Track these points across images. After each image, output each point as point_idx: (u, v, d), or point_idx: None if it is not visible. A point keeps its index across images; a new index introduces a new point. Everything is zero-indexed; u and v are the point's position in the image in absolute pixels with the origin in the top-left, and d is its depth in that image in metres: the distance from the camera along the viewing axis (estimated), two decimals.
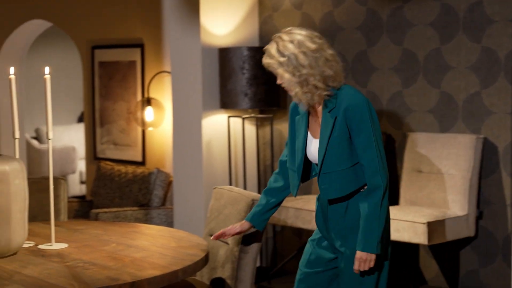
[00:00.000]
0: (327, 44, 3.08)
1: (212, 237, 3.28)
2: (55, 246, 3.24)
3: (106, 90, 7.25)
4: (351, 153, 3.02)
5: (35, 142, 10.12)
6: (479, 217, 4.84)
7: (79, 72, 10.76)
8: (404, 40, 5.15)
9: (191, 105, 5.64)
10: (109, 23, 7.19)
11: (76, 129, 11.01)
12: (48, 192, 3.93)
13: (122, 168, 6.67)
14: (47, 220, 4.01)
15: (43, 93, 10.95)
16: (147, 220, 6.14)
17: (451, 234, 4.62)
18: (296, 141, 3.17)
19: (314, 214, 4.97)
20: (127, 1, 7.00)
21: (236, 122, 5.72)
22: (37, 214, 4.12)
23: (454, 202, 4.75)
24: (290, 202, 5.11)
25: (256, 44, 5.81)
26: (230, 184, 5.63)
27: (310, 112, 3.14)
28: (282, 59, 3.01)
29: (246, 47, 5.41)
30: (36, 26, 8.14)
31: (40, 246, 3.25)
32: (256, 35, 5.84)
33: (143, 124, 6.66)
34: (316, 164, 3.14)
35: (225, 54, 5.46)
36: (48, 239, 3.35)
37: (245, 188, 5.66)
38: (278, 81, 3.08)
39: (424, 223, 4.46)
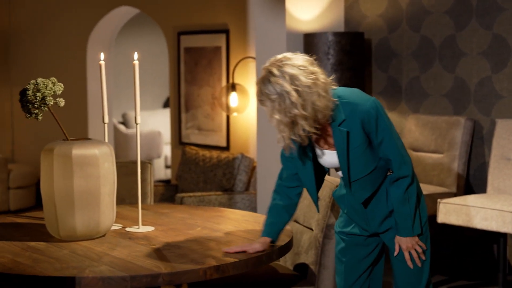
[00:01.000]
0: (321, 70, 2.84)
1: (226, 250, 2.93)
2: (142, 229, 3.29)
3: (192, 75, 7.32)
4: (374, 154, 2.95)
5: (122, 127, 10.31)
6: None
7: (164, 58, 10.90)
8: (494, 25, 5.02)
9: None
10: (195, 9, 7.25)
11: (161, 114, 11.17)
12: (135, 176, 4.01)
13: (206, 153, 6.74)
14: (134, 203, 4.08)
15: (129, 78, 11.16)
16: (231, 204, 6.19)
17: None
18: (300, 162, 3.01)
19: None
20: None
21: None
22: (125, 197, 4.20)
23: None
24: None
25: (341, 29, 5.76)
26: None
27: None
28: (273, 96, 2.76)
29: (332, 32, 5.36)
30: (124, 13, 8.27)
31: (128, 229, 3.31)
32: (341, 20, 5.79)
33: (228, 109, 6.70)
34: (336, 169, 3.06)
35: (310, 39, 5.44)
36: (135, 222, 3.41)
37: (328, 174, 5.62)
38: (270, 122, 2.84)
39: None
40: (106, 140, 3.36)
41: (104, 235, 3.19)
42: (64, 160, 3.02)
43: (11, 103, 9.44)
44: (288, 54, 2.85)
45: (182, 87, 7.43)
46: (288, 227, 3.39)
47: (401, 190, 2.97)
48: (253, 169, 6.45)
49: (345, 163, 2.93)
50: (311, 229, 3.51)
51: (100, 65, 3.36)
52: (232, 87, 6.64)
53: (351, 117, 2.86)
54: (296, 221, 3.69)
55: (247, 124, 6.79)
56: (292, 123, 2.78)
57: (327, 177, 3.57)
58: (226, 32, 6.91)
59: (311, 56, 2.94)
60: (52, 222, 3.09)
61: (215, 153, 6.67)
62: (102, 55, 3.42)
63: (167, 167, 10.51)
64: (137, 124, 3.28)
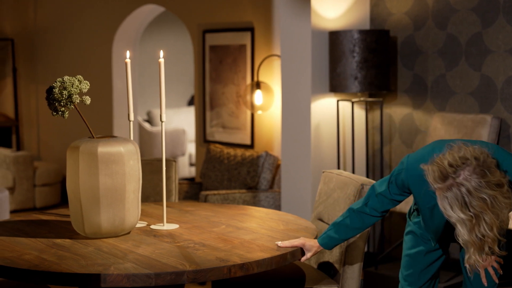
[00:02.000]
0: (504, 175, 2.59)
1: (279, 244, 3.00)
2: (167, 226, 3.30)
3: (216, 73, 7.33)
4: None
5: (146, 125, 10.35)
6: None
7: (189, 56, 10.92)
8: None
9: (300, 88, 5.63)
10: (219, 7, 7.26)
11: (186, 112, 11.20)
12: (160, 174, 4.02)
13: (231, 151, 6.74)
14: (159, 201, 4.09)
15: (154, 76, 11.21)
16: (255, 202, 6.19)
17: None
18: (429, 214, 2.95)
19: None
20: None
21: (345, 105, 5.67)
22: (150, 194, 4.22)
23: None
24: None
25: (367, 27, 5.74)
26: (338, 168, 5.59)
27: None
28: (465, 216, 2.52)
29: (357, 30, 5.34)
30: (149, 11, 8.30)
31: (153, 226, 3.32)
32: (367, 18, 5.76)
33: (252, 107, 6.70)
34: None
35: (335, 37, 5.42)
36: (160, 220, 3.42)
37: (353, 172, 5.61)
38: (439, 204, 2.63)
39: None
40: (131, 137, 3.37)
41: (129, 233, 3.20)
42: (90, 157, 3.04)
43: (37, 101, 9.52)
44: (477, 164, 2.55)
45: (207, 85, 7.44)
46: (313, 225, 3.39)
47: None
48: (277, 167, 6.44)
49: None
50: None
51: (125, 63, 3.37)
52: (257, 85, 6.64)
53: None
54: (320, 220, 3.68)
55: (272, 122, 6.78)
56: (482, 247, 2.55)
57: (350, 174, 3.55)
58: (251, 30, 6.91)
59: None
60: (77, 219, 3.11)
61: (239, 151, 6.67)
62: (127, 53, 3.43)
63: (191, 165, 10.53)
64: (162, 122, 3.29)
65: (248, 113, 6.97)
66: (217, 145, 6.99)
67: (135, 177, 3.14)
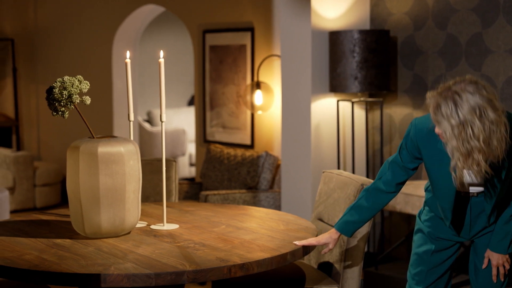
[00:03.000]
0: (504, 109, 2.74)
1: (296, 243, 3.05)
2: (167, 226, 3.30)
3: (216, 73, 7.33)
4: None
5: (146, 125, 10.36)
6: None
7: (189, 56, 10.93)
8: None
9: (300, 88, 5.63)
10: (220, 7, 7.26)
11: (186, 112, 11.20)
12: (160, 174, 4.02)
13: (231, 151, 6.74)
14: (159, 201, 4.10)
15: (154, 76, 11.21)
16: (255, 202, 6.19)
17: None
18: (439, 173, 2.93)
19: (423, 200, 4.88)
20: None
21: (345, 106, 5.67)
22: (150, 194, 4.22)
23: None
24: None
25: (367, 27, 5.74)
26: (338, 168, 5.59)
27: None
28: (454, 122, 2.66)
29: (357, 30, 5.34)
30: (149, 11, 8.30)
31: (153, 226, 3.32)
32: (367, 18, 5.76)
33: (252, 107, 6.70)
34: (469, 193, 3.00)
35: (335, 37, 5.42)
36: (160, 220, 3.42)
37: (353, 172, 5.61)
38: (438, 133, 2.77)
39: None
40: (131, 137, 3.37)
41: (129, 233, 3.20)
42: (90, 157, 3.04)
43: (37, 101, 9.52)
44: (475, 80, 2.71)
45: (207, 85, 7.44)
46: (313, 225, 3.39)
47: (511, 211, 3.01)
48: (277, 167, 6.44)
49: (494, 194, 2.91)
50: None
51: (126, 63, 3.38)
52: (257, 85, 6.64)
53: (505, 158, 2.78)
54: (321, 220, 3.68)
55: (272, 122, 6.78)
56: (468, 154, 2.66)
57: (350, 174, 3.56)
58: (251, 30, 6.91)
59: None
60: (77, 220, 3.11)
61: (239, 151, 6.67)
62: (128, 54, 3.43)
63: (191, 165, 10.54)
64: (162, 122, 3.29)
65: (248, 113, 6.97)
66: (217, 145, 6.99)
67: (135, 177, 3.14)
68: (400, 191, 5.00)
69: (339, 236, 3.13)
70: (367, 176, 5.71)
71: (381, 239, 5.82)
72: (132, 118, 3.40)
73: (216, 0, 7.28)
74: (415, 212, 4.94)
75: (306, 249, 3.05)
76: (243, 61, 7.02)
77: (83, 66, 8.77)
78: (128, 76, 3.37)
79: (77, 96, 3.09)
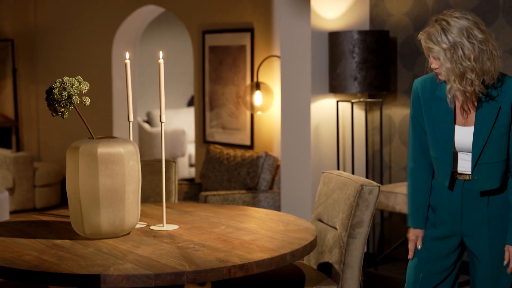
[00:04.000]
0: (491, 33, 2.95)
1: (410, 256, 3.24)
2: (166, 227, 3.30)
3: (216, 74, 7.33)
4: (506, 144, 3.00)
5: (146, 125, 10.36)
6: None
7: (189, 57, 10.94)
8: None
9: (300, 89, 5.63)
10: (219, 7, 7.26)
11: (185, 113, 11.20)
12: (159, 174, 4.02)
13: (230, 151, 6.75)
14: (159, 201, 4.10)
15: (154, 77, 11.21)
16: (255, 203, 6.19)
17: None
18: (436, 128, 3.05)
19: None
20: None
21: (345, 106, 5.67)
22: (149, 195, 4.22)
23: None
24: (398, 188, 5.04)
25: (366, 27, 5.74)
26: (338, 168, 5.59)
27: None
28: (445, 46, 2.89)
29: (357, 30, 5.34)
30: (149, 12, 8.31)
31: (152, 227, 3.32)
32: (366, 18, 5.76)
33: (252, 108, 6.71)
34: (455, 153, 3.05)
35: (335, 38, 5.42)
36: (159, 220, 3.42)
37: (353, 173, 5.61)
38: (434, 66, 2.96)
39: None
40: (131, 138, 3.37)
41: (128, 233, 3.20)
42: (90, 158, 3.04)
43: (37, 101, 9.52)
44: (460, 10, 2.93)
45: (206, 85, 7.44)
46: (313, 226, 3.39)
47: None
48: (277, 167, 6.45)
49: (483, 141, 2.95)
50: (335, 228, 3.50)
51: (125, 64, 3.38)
52: (257, 85, 6.64)
53: (504, 95, 2.94)
54: (320, 220, 3.68)
55: (271, 122, 6.78)
56: (462, 75, 2.87)
57: (350, 175, 3.56)
58: (251, 30, 6.91)
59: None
60: (77, 220, 3.11)
61: (239, 152, 6.67)
62: (127, 54, 3.43)
63: (191, 165, 10.54)
64: (161, 122, 3.30)
65: (248, 113, 6.98)
66: (217, 145, 6.99)
67: (135, 178, 3.14)
68: (400, 192, 5.00)
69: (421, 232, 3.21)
70: (367, 177, 5.72)
71: (380, 240, 5.82)
72: (131, 118, 3.40)
73: (215, 0, 7.28)
74: None
75: (305, 250, 3.05)
76: (242, 61, 7.02)
77: (83, 66, 8.77)
78: (128, 77, 3.37)
79: (77, 96, 3.09)
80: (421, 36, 2.95)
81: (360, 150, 5.73)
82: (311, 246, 3.08)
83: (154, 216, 3.54)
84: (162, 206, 3.37)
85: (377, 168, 5.81)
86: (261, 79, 6.75)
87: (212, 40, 7.34)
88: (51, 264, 2.73)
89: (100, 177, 3.04)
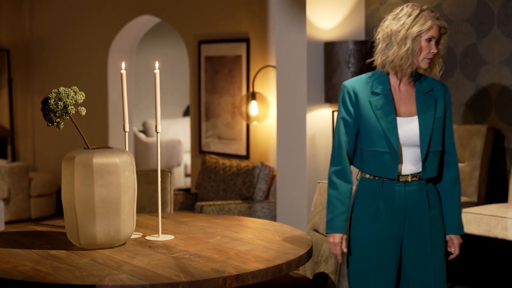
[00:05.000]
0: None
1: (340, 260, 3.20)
2: (162, 237, 3.30)
3: (212, 84, 7.33)
4: (442, 138, 3.12)
5: (142, 136, 10.35)
6: None
7: (185, 67, 10.94)
8: None
9: (296, 99, 5.64)
10: (215, 18, 7.27)
11: (181, 123, 11.20)
12: (155, 185, 4.02)
13: (226, 161, 6.74)
14: (154, 211, 4.09)
15: (150, 87, 11.21)
16: (251, 213, 6.19)
17: None
18: (380, 121, 3.05)
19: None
20: None
21: None
22: (145, 205, 4.21)
23: None
24: None
25: (362, 37, 5.75)
26: None
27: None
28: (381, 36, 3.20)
29: (352, 41, 5.36)
30: (145, 22, 8.32)
31: (148, 237, 3.32)
32: (362, 28, 5.78)
33: (248, 118, 6.71)
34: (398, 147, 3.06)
35: (330, 48, 5.43)
36: (155, 231, 3.41)
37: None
38: (434, 50, 3.06)
39: None
40: (127, 148, 3.37)
41: (124, 244, 3.20)
42: (85, 168, 3.03)
43: (33, 111, 9.51)
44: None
45: (202, 95, 7.45)
46: (308, 236, 3.39)
47: (455, 170, 3.15)
48: (272, 177, 6.44)
49: (429, 130, 3.03)
50: None
51: (121, 74, 3.38)
52: (252, 96, 6.65)
53: (436, 89, 3.09)
54: (316, 230, 3.68)
55: (267, 133, 6.79)
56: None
57: None
58: (247, 41, 6.92)
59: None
60: (72, 230, 3.11)
61: (235, 162, 6.67)
62: (123, 64, 3.43)
63: (187, 175, 10.53)
64: (157, 132, 3.29)
65: (244, 123, 6.98)
66: (213, 155, 6.99)
67: (131, 188, 3.14)
68: None
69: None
70: None
71: None
72: (127, 129, 3.40)
73: (211, 11, 7.29)
74: None
75: (301, 260, 3.04)
76: (238, 71, 7.03)
77: (78, 76, 8.77)
78: (124, 87, 3.37)
79: (73, 107, 3.09)
80: (433, 14, 3.09)
81: None
82: (307, 256, 3.08)
83: (150, 226, 3.54)
84: (157, 216, 3.36)
85: None
86: (257, 89, 6.76)
87: (208, 50, 7.35)
88: (46, 275, 2.72)
89: (96, 187, 3.04)
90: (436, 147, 3.07)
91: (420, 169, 3.06)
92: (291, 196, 5.68)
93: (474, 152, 5.10)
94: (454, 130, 5.25)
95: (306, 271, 3.70)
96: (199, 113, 7.49)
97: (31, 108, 9.53)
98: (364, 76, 3.19)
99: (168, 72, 11.41)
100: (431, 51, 3.05)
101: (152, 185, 4.19)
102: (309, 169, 5.56)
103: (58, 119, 3.10)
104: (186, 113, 11.76)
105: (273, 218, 6.16)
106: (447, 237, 3.14)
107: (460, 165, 5.18)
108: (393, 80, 3.14)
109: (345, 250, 3.10)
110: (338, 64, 5.36)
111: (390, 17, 3.12)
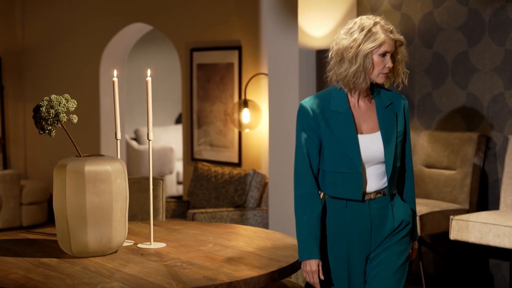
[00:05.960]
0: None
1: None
2: (154, 245, 3.29)
3: (204, 91, 7.34)
4: (402, 153, 3.05)
5: (134, 143, 10.34)
6: None
7: (177, 74, 10.94)
8: (506, 41, 5.01)
9: (288, 107, 5.64)
10: (207, 25, 7.28)
11: (174, 130, 11.20)
12: (147, 192, 4.01)
13: (218, 169, 6.74)
14: (146, 219, 4.08)
15: (142, 94, 11.21)
16: (243, 221, 6.18)
17: None
18: (340, 140, 2.92)
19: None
20: (226, 4, 7.07)
21: None
22: (137, 213, 4.21)
23: None
24: None
25: None
26: None
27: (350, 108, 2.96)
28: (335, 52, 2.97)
29: None
30: (137, 30, 8.32)
31: (140, 245, 3.31)
32: None
33: (240, 125, 6.71)
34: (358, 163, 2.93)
35: (322, 55, 5.44)
36: (147, 239, 3.41)
37: None
38: (390, 65, 2.90)
39: None
40: (119, 156, 3.37)
41: (116, 252, 3.19)
42: (77, 176, 3.03)
43: (24, 119, 9.49)
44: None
45: (194, 103, 7.45)
46: None
47: (412, 184, 3.09)
48: (265, 185, 6.44)
49: (392, 145, 2.94)
50: None
51: (113, 82, 3.38)
52: (244, 103, 6.65)
53: (395, 103, 2.99)
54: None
55: (259, 140, 6.79)
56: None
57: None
58: (239, 48, 6.93)
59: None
60: (64, 238, 3.10)
61: (227, 169, 6.67)
62: (115, 72, 3.43)
63: (179, 183, 10.52)
64: (149, 140, 3.29)
65: (236, 131, 6.98)
66: (205, 163, 6.99)
67: (122, 196, 3.14)
68: None
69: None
70: None
71: None
72: (119, 136, 3.40)
73: (203, 18, 7.30)
74: None
75: (293, 268, 3.04)
76: (230, 79, 7.04)
77: (70, 84, 8.76)
78: (115, 95, 3.37)
79: (64, 114, 3.09)
80: (387, 26, 2.93)
81: None
82: (298, 264, 3.07)
83: (142, 234, 3.53)
84: (149, 224, 3.36)
85: None
86: (249, 96, 6.76)
87: (200, 57, 7.35)
88: (37, 283, 2.71)
89: (87, 195, 3.03)
90: (399, 162, 3.01)
91: (385, 185, 2.96)
92: (283, 203, 5.68)
93: (466, 159, 5.11)
94: (446, 138, 5.26)
95: (298, 278, 3.70)
96: (191, 120, 7.49)
97: (23, 115, 9.51)
98: (322, 93, 3.00)
99: (160, 80, 11.40)
100: (386, 65, 2.90)
101: (144, 193, 4.18)
102: None
103: (50, 127, 3.10)
104: (178, 121, 11.76)
105: (265, 225, 6.15)
106: (414, 244, 3.12)
107: (452, 172, 5.19)
108: (352, 96, 2.98)
109: (322, 277, 2.92)
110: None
111: (343, 30, 2.94)
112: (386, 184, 2.96)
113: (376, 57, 2.88)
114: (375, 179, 2.95)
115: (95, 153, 3.33)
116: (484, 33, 5.12)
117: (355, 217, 2.95)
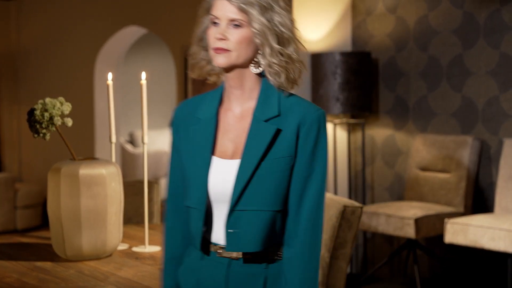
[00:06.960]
0: None
1: None
2: (149, 248, 3.29)
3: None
4: (286, 190, 1.96)
5: (129, 146, 10.33)
6: None
7: (172, 77, 10.94)
8: (501, 44, 5.02)
9: None
10: None
11: (168, 134, 11.19)
12: (142, 196, 4.00)
13: None
14: (141, 222, 4.08)
15: (137, 97, 11.20)
16: None
17: None
18: (190, 162, 2.03)
19: (405, 221, 4.90)
20: None
21: (327, 127, 5.69)
22: (132, 216, 4.20)
23: None
24: (381, 209, 5.04)
25: (348, 49, 5.77)
26: None
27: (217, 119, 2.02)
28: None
29: (339, 52, 5.37)
30: (132, 33, 8.31)
31: (134, 249, 3.30)
32: (349, 40, 5.80)
33: None
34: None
35: (317, 59, 5.45)
36: (141, 242, 3.40)
37: (335, 193, 5.62)
38: (218, 36, 2.09)
39: None
40: (113, 159, 3.36)
41: (110, 255, 3.18)
42: (71, 179, 3.02)
43: (19, 122, 9.47)
44: None
45: None
46: None
47: (298, 249, 1.96)
48: None
49: (246, 176, 1.93)
50: None
51: (108, 85, 3.37)
52: None
53: (285, 115, 1.99)
54: None
55: None
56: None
57: (333, 195, 3.56)
58: None
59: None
60: (58, 242, 3.09)
61: None
62: (110, 75, 3.43)
63: None
64: (144, 143, 3.29)
65: None
66: None
67: (117, 199, 3.13)
68: (383, 212, 5.00)
69: None
70: (350, 197, 5.72)
71: (363, 260, 5.82)
72: (114, 140, 3.39)
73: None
74: (396, 233, 4.94)
75: None
76: None
77: (65, 87, 8.75)
78: (110, 98, 3.37)
79: (59, 118, 3.08)
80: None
81: (343, 170, 5.74)
82: None
83: (137, 238, 3.53)
84: (144, 227, 3.35)
85: (359, 188, 5.82)
86: None
87: None
88: (32, 287, 2.71)
89: (82, 198, 3.03)
90: (255, 205, 1.93)
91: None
92: None
93: (461, 162, 5.11)
94: (441, 141, 5.25)
95: None
96: None
97: (17, 118, 9.50)
98: (206, 93, 2.14)
99: (155, 83, 11.40)
100: (215, 36, 2.05)
101: (139, 196, 4.18)
102: None
103: (44, 130, 3.09)
104: None
105: None
106: None
107: (447, 175, 5.20)
108: (229, 97, 2.04)
109: None
110: (325, 75, 5.37)
111: None
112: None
113: (210, 26, 2.10)
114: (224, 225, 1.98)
115: (90, 157, 3.33)
116: (479, 36, 5.13)
117: (206, 278, 2.02)
